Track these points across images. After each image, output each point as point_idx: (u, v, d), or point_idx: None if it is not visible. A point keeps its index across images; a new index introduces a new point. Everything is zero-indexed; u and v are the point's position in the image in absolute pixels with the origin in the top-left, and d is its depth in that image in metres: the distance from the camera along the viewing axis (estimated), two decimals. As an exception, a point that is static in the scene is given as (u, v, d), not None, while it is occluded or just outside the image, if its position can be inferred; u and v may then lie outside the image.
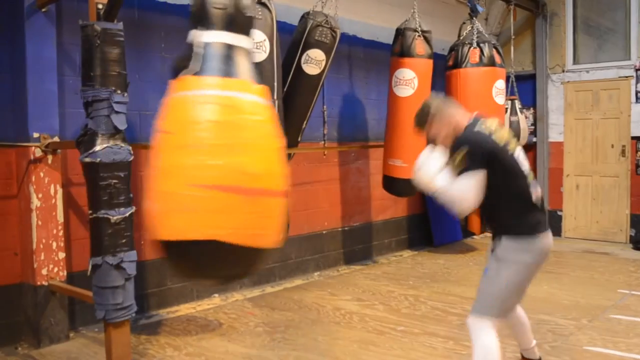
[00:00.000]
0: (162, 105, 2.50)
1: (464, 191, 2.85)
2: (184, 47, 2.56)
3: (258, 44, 3.96)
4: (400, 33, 6.21)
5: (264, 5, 4.06)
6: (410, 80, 6.11)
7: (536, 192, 3.05)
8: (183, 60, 2.54)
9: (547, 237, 3.07)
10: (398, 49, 6.22)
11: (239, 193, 2.33)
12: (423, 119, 3.15)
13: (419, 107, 3.23)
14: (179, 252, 2.41)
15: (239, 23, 2.54)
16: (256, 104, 2.51)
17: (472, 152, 2.87)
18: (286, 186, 2.51)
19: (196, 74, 2.45)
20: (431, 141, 3.16)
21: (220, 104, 2.41)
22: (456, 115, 3.14)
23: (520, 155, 3.05)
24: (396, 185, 6.28)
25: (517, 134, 7.91)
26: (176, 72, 2.55)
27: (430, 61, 6.27)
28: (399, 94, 6.15)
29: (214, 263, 2.42)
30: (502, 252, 3.00)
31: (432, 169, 2.96)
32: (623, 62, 7.95)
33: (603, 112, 8.12)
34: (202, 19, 2.51)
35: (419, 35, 6.09)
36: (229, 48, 2.49)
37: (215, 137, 2.37)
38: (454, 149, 2.95)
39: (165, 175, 2.42)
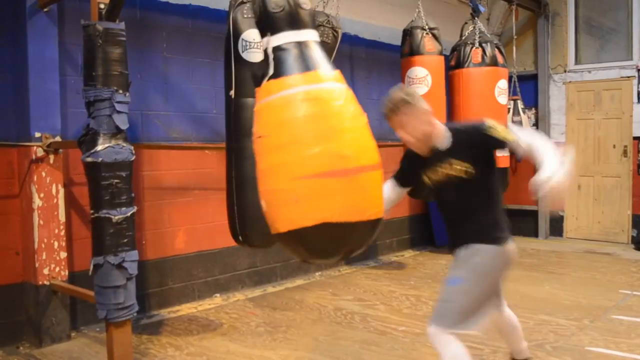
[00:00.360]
0: (254, 114, 2.67)
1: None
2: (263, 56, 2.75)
3: (259, 43, 3.96)
4: (407, 33, 6.17)
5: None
6: (423, 78, 6.04)
7: None
8: (263, 68, 2.72)
9: (513, 244, 2.94)
10: (407, 49, 6.15)
11: (338, 176, 2.51)
12: (398, 105, 2.79)
13: (393, 92, 2.87)
14: (297, 240, 2.61)
15: (298, 19, 2.68)
16: (335, 90, 2.64)
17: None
18: (378, 158, 2.66)
19: (275, 77, 2.62)
20: (396, 132, 2.85)
21: (304, 99, 2.56)
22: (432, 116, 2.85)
23: None
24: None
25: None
26: (259, 80, 2.73)
27: (442, 58, 6.21)
28: None
29: (330, 243, 2.63)
30: (481, 260, 2.82)
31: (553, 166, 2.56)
32: (625, 63, 7.94)
33: (605, 112, 8.11)
34: (266, 26, 2.70)
35: (427, 33, 6.06)
36: (298, 45, 2.64)
37: (306, 131, 2.54)
38: (469, 138, 2.78)
39: (269, 175, 2.62)
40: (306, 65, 2.63)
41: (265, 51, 2.73)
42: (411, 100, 2.78)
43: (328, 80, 2.63)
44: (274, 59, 2.66)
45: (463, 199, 2.87)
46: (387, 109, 2.84)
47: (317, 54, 2.68)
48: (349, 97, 2.67)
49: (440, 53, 6.18)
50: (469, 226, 2.89)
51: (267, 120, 2.64)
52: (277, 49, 2.67)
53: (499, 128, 2.72)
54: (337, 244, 2.67)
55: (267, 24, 2.71)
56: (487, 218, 2.87)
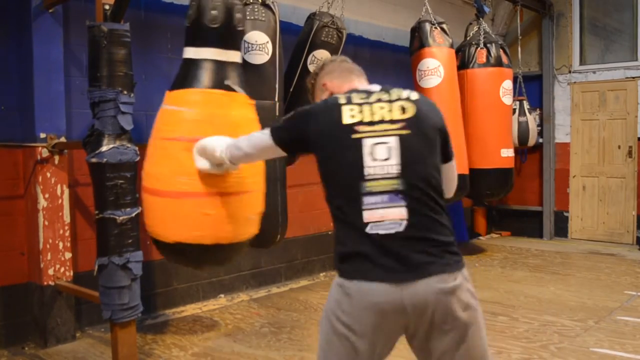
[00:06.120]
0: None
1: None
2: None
3: (260, 45, 3.96)
4: (416, 29, 6.12)
5: (268, 7, 4.06)
6: (435, 69, 5.93)
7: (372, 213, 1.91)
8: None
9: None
10: (417, 43, 6.09)
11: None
12: (309, 77, 2.41)
13: None
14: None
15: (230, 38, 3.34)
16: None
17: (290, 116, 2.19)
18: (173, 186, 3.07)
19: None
20: None
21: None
22: (339, 79, 2.32)
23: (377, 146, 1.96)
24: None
25: (526, 134, 7.90)
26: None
27: (452, 50, 6.14)
28: (426, 85, 5.94)
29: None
30: (473, 292, 2.00)
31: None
32: (630, 63, 7.92)
33: (610, 113, 8.09)
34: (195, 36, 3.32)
35: (435, 27, 6.03)
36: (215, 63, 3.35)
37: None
38: None
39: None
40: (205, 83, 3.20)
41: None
42: (320, 70, 2.39)
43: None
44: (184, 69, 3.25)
45: None
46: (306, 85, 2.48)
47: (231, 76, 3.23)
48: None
49: (451, 46, 6.12)
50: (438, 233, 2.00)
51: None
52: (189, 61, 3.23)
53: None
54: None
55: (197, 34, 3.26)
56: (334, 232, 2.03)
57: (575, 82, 8.37)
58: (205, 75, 3.25)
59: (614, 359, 3.91)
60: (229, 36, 3.35)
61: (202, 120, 3.13)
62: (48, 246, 4.24)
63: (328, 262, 6.66)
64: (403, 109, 2.03)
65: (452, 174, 2.24)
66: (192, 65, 3.29)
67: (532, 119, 8.03)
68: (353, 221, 1.92)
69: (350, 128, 1.98)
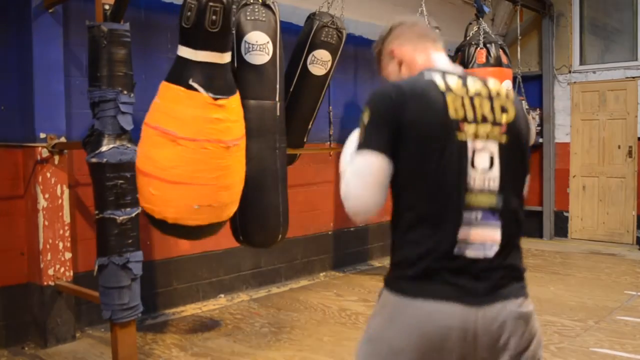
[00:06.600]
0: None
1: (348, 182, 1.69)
2: None
3: (261, 46, 3.96)
4: None
5: (268, 7, 4.06)
6: None
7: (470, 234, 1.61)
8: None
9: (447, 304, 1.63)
10: None
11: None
12: (375, 43, 2.00)
13: None
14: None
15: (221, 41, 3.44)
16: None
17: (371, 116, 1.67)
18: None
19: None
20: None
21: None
22: (411, 45, 1.88)
23: (481, 153, 1.64)
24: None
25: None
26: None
27: None
28: None
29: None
30: (372, 324, 1.77)
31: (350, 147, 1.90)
32: (630, 63, 7.92)
33: (610, 113, 8.09)
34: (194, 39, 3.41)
35: None
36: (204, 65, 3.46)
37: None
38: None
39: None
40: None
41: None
42: (391, 34, 1.99)
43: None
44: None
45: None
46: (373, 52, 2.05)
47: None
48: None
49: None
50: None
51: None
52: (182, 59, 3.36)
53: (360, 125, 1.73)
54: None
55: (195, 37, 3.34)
56: (393, 240, 1.74)
57: (575, 82, 8.37)
58: (173, 71, 3.45)
59: (614, 359, 3.91)
60: (198, 36, 3.37)
61: (161, 111, 3.44)
62: (48, 246, 4.24)
63: (328, 262, 6.67)
64: (503, 109, 1.69)
65: (526, 189, 1.85)
66: (175, 60, 3.49)
67: (531, 120, 8.03)
68: (440, 238, 1.60)
69: (456, 124, 1.62)
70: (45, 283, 4.24)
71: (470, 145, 1.61)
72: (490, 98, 1.68)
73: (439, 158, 1.60)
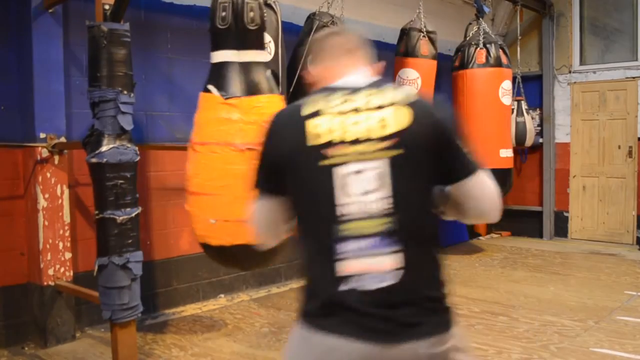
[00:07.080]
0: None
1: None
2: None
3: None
4: (405, 33, 6.22)
5: (270, 6, 4.06)
6: (413, 80, 6.17)
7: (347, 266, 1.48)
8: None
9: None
10: (403, 49, 6.27)
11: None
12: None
13: None
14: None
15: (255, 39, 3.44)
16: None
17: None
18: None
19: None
20: None
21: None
22: (323, 63, 1.73)
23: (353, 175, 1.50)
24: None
25: (523, 135, 7.89)
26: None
27: (434, 62, 6.30)
28: None
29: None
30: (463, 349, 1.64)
31: None
32: (630, 63, 7.91)
33: (610, 113, 8.09)
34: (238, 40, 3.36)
35: (423, 36, 6.12)
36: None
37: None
38: None
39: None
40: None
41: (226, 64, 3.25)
42: (312, 45, 1.88)
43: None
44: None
45: None
46: None
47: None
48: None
49: (434, 57, 6.28)
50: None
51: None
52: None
53: None
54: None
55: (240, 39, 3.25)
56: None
57: (575, 82, 8.36)
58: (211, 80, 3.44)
59: (614, 359, 3.91)
60: (237, 36, 3.33)
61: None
62: (48, 246, 4.24)
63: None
64: (393, 120, 1.50)
65: (479, 191, 1.58)
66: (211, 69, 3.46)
67: (529, 120, 8.02)
68: (324, 273, 1.50)
69: (318, 151, 1.49)
70: (45, 283, 4.24)
71: (339, 171, 1.48)
72: (380, 108, 1.51)
73: (307, 189, 1.53)
